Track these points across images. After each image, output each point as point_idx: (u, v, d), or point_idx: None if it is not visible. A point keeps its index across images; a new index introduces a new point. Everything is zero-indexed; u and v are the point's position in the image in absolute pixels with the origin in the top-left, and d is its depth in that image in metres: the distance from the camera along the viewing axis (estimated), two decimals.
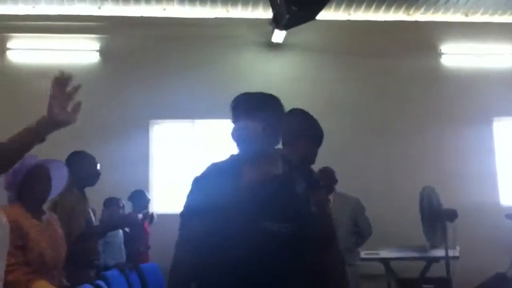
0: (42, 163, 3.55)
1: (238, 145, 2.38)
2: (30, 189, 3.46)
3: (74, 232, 4.03)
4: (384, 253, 6.49)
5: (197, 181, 2.41)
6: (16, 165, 3.47)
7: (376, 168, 8.17)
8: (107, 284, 4.32)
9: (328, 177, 5.50)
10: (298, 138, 2.78)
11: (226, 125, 8.99)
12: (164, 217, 7.24)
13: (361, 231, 5.63)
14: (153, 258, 6.67)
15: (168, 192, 8.18)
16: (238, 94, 2.45)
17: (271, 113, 2.39)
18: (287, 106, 2.57)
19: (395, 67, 8.59)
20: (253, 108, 2.36)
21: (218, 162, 2.43)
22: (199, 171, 2.43)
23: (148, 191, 7.42)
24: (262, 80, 7.83)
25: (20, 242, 3.23)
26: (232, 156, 2.43)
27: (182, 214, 2.39)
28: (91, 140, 6.85)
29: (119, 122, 8.05)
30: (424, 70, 8.72)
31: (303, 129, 2.82)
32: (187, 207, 2.38)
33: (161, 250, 6.59)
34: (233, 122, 2.39)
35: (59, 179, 3.65)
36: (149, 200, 7.14)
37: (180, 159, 8.34)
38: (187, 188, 2.40)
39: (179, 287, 2.33)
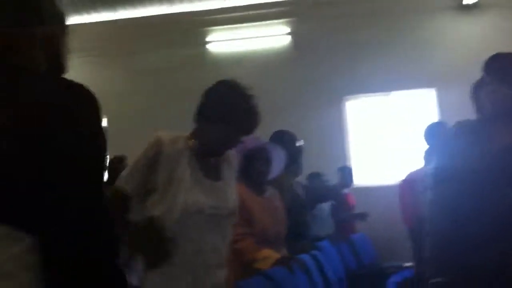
0: (263, 145, 3.70)
1: (490, 107, 2.19)
2: (250, 170, 3.60)
3: (287, 206, 4.29)
4: None
5: (445, 143, 2.31)
6: (238, 147, 3.80)
7: None
8: (322, 254, 4.49)
9: None
10: None
11: (422, 94, 8.64)
12: (365, 190, 7.35)
13: None
14: (359, 228, 6.81)
15: (368, 165, 8.29)
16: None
17: None
18: None
19: None
20: (508, 68, 2.17)
21: (466, 122, 2.28)
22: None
23: (348, 166, 7.51)
24: (457, 46, 7.52)
25: (246, 216, 3.34)
26: (482, 118, 2.23)
27: (433, 175, 2.24)
28: (288, 120, 7.01)
29: (314, 100, 8.25)
30: None
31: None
32: (437, 169, 2.25)
33: (367, 221, 6.73)
34: (484, 83, 2.20)
35: (279, 160, 3.79)
36: (352, 176, 7.21)
37: (377, 132, 8.37)
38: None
39: (438, 256, 2.20)
